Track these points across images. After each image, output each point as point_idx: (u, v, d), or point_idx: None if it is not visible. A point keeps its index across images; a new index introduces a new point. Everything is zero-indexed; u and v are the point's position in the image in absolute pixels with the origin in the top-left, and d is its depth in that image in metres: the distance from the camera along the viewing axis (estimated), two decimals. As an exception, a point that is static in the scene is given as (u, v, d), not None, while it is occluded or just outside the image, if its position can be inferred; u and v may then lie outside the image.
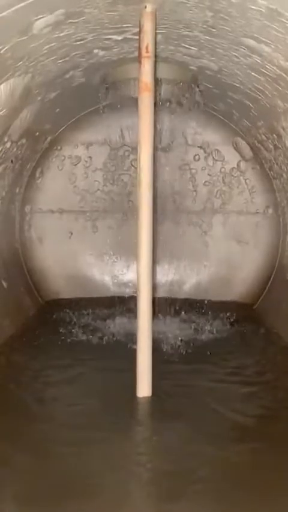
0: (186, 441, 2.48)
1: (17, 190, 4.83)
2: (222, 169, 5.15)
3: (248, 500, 2.03)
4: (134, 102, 3.11)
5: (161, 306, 4.29)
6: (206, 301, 4.81)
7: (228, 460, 2.31)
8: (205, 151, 5.13)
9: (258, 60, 3.09)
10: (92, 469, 2.22)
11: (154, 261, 3.00)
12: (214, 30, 2.99)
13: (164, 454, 2.40)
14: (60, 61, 3.36)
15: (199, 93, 4.06)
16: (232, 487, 2.10)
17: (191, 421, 2.68)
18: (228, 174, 5.15)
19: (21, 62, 2.96)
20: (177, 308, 4.54)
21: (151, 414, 2.82)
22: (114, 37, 3.27)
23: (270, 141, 4.24)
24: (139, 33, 2.89)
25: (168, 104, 4.12)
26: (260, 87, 3.50)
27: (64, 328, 4.16)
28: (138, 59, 2.88)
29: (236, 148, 5.07)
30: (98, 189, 5.20)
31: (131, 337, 3.67)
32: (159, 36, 3.18)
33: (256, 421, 2.71)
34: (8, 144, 3.91)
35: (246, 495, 2.06)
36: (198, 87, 4.03)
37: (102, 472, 2.21)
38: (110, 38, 3.28)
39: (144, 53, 2.84)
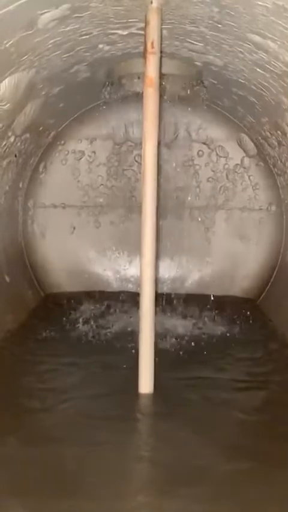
0: (187, 438, 2.48)
1: (20, 185, 4.83)
2: (226, 166, 5.13)
3: (249, 499, 2.03)
4: (139, 97, 3.10)
5: (164, 301, 4.29)
6: (208, 297, 4.81)
7: (230, 457, 2.31)
8: (209, 147, 5.11)
9: (264, 57, 3.08)
10: (92, 466, 2.23)
11: (157, 257, 2.99)
12: (220, 25, 2.97)
13: (164, 450, 2.40)
14: (64, 56, 3.35)
15: (204, 89, 4.04)
16: (234, 485, 2.10)
17: (192, 417, 2.69)
18: (232, 171, 5.13)
19: (25, 57, 2.95)
20: (179, 303, 4.54)
21: (152, 410, 2.82)
22: (120, 32, 3.26)
23: (274, 137, 4.23)
24: (145, 28, 2.87)
25: (172, 99, 4.11)
26: (265, 84, 3.48)
27: (65, 322, 4.17)
28: (144, 54, 2.87)
29: (240, 144, 5.06)
30: (101, 184, 5.20)
31: (133, 332, 3.68)
32: (164, 32, 3.17)
33: (258, 419, 2.72)
34: (12, 139, 3.91)
35: (248, 494, 2.06)
36: (202, 83, 4.02)
37: (102, 468, 2.22)
38: (115, 33, 3.27)
39: (149, 49, 2.83)
